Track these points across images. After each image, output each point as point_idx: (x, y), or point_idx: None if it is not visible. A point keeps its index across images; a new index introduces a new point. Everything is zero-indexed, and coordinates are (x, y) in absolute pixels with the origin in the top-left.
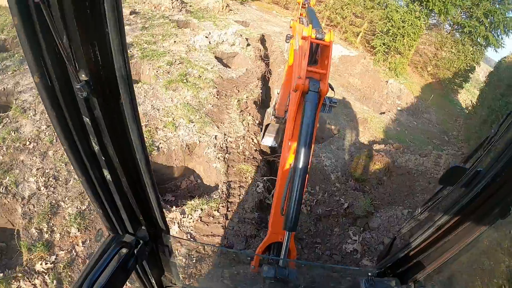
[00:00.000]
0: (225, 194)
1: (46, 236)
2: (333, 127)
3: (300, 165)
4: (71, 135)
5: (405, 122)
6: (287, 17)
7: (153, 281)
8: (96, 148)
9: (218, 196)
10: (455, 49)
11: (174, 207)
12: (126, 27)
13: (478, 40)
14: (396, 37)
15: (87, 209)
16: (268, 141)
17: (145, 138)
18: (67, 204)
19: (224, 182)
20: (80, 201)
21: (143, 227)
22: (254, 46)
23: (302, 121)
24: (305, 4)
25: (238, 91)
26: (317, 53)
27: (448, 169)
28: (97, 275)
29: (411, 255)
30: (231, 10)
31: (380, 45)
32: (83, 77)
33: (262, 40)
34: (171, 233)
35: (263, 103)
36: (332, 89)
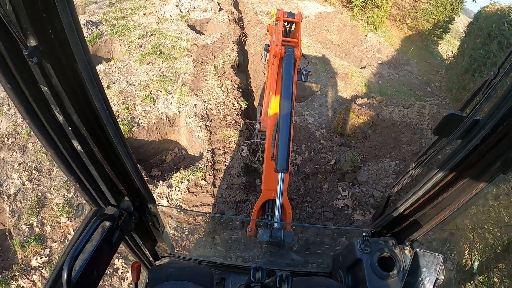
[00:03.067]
0: (211, 162)
1: (37, 230)
2: (313, 84)
3: (285, 112)
4: (31, 106)
5: (386, 75)
6: None
7: (147, 252)
8: (61, 118)
9: (203, 165)
10: (433, 0)
11: (161, 182)
12: (92, 5)
13: None
14: None
15: (73, 196)
16: None
17: (124, 115)
18: (53, 195)
19: (208, 150)
20: (66, 189)
21: (126, 198)
22: (227, 10)
23: (282, 76)
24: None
25: (214, 57)
26: (290, 34)
27: (443, 117)
28: (78, 249)
29: (407, 214)
30: None
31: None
32: (32, 42)
33: (235, 4)
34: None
35: (240, 67)
36: (305, 58)
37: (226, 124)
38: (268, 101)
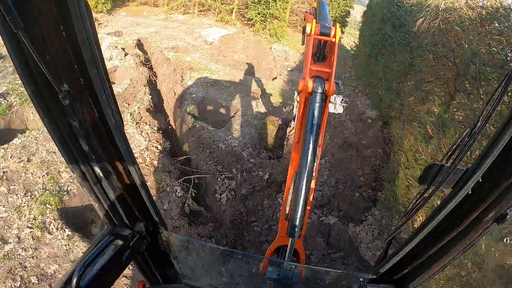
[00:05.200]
0: None
1: None
2: (230, 109)
3: (304, 170)
4: (63, 137)
5: (297, 80)
6: (159, 15)
7: (156, 274)
8: (86, 148)
9: None
10: (328, 0)
11: None
12: None
13: None
14: (269, 4)
15: (21, 284)
16: None
17: (51, 186)
18: None
19: None
20: (12, 278)
21: (140, 222)
22: (133, 54)
23: (306, 125)
24: None
25: (129, 104)
26: (326, 49)
27: (425, 167)
28: (90, 259)
29: (407, 260)
30: (100, 24)
31: (256, 15)
32: (65, 87)
33: (139, 45)
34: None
35: (156, 108)
36: (339, 86)
37: (154, 169)
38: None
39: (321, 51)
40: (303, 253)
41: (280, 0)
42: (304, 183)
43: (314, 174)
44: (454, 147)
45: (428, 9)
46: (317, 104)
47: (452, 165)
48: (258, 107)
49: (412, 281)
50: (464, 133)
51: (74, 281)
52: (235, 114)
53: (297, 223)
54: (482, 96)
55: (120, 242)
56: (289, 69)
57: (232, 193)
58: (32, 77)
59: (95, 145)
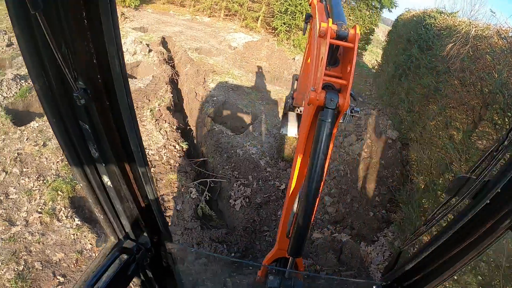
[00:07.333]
0: None
1: None
2: (250, 115)
3: (310, 190)
4: (71, 141)
5: None
6: (185, 15)
7: None
8: (96, 154)
9: None
10: (353, 16)
11: None
12: (20, 57)
13: (373, 4)
14: (295, 15)
15: (25, 268)
16: (291, 131)
17: (65, 173)
18: (3, 270)
19: None
20: (15, 261)
21: (145, 234)
22: (157, 51)
23: (314, 141)
24: None
25: (149, 100)
26: (339, 51)
27: (454, 179)
28: (95, 279)
29: (418, 268)
30: (126, 18)
31: (281, 25)
32: (81, 84)
33: (164, 43)
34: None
35: (176, 107)
36: (354, 99)
37: (171, 168)
38: (303, 78)
39: (333, 54)
40: (303, 267)
41: (307, 12)
42: (311, 204)
43: (319, 194)
44: (481, 160)
45: (458, 34)
46: (329, 122)
47: (479, 177)
48: (278, 116)
49: (423, 287)
50: (493, 147)
51: None
52: (254, 121)
53: (301, 243)
54: (507, 126)
55: (125, 256)
56: None
57: (247, 200)
58: (42, 69)
59: (107, 151)
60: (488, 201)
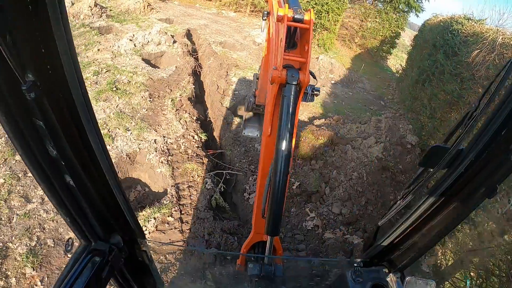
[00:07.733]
0: (176, 198)
1: (2, 283)
2: None
3: (280, 165)
4: (25, 140)
5: (341, 94)
6: (211, 9)
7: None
8: (54, 152)
9: (169, 201)
10: (379, 18)
11: None
12: None
13: (400, 7)
14: (321, 14)
15: (37, 244)
16: (252, 132)
17: None
18: (15, 244)
19: (172, 186)
20: (28, 237)
21: (116, 233)
22: (181, 42)
23: (280, 117)
24: None
25: (171, 90)
26: (296, 35)
27: (428, 149)
28: (67, 287)
29: (397, 242)
30: (153, 9)
31: None
32: (30, 77)
33: (188, 35)
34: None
35: (197, 99)
36: (314, 77)
37: (188, 157)
38: (264, 75)
39: (291, 38)
40: (280, 247)
41: (333, 12)
42: (282, 179)
43: (289, 169)
44: (454, 129)
45: (484, 41)
46: (292, 96)
47: (452, 147)
48: (299, 114)
49: (403, 261)
50: (464, 116)
51: None
52: None
53: (277, 221)
54: None
55: (97, 259)
56: (333, 81)
57: None
58: None
59: (66, 148)
60: (463, 170)
